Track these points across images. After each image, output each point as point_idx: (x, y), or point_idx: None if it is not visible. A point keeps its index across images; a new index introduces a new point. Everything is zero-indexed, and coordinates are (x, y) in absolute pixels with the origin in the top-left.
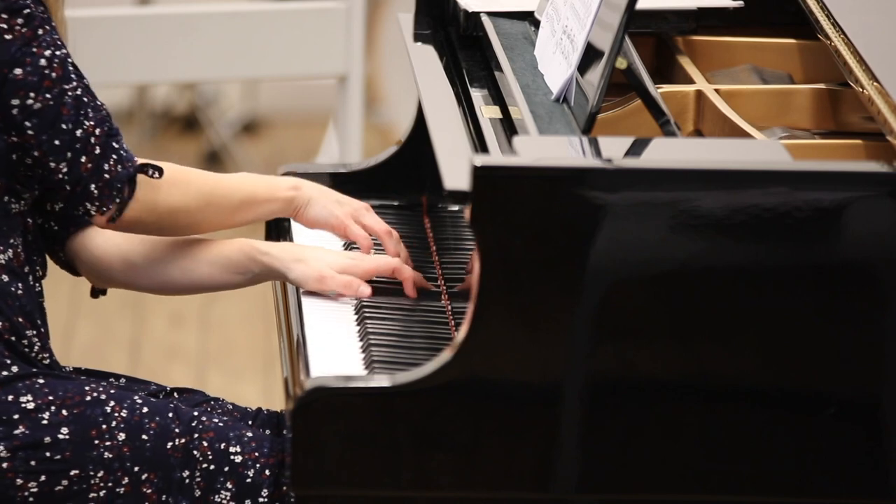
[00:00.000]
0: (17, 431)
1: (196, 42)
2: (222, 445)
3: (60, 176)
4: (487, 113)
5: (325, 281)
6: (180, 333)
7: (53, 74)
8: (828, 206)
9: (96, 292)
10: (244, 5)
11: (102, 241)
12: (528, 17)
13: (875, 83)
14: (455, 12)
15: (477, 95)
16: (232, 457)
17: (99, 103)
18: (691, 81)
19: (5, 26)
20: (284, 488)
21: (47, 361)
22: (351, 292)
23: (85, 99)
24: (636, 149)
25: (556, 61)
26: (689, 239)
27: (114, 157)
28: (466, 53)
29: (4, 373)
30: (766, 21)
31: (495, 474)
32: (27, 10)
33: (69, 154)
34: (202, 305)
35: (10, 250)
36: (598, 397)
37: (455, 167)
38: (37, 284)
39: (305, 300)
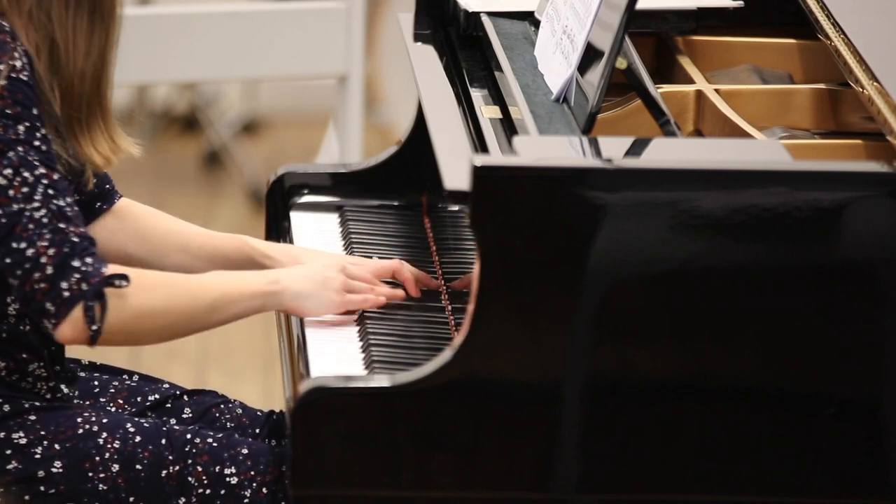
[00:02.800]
0: (9, 466)
1: (196, 42)
2: (217, 468)
3: (17, 288)
4: (487, 113)
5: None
6: None
7: (10, 192)
8: (828, 206)
9: None
10: (244, 5)
11: (102, 236)
12: (528, 17)
13: (875, 83)
14: (455, 12)
15: (477, 95)
16: (227, 479)
17: (62, 226)
18: (691, 81)
19: None
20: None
21: (48, 396)
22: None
23: (46, 220)
24: (636, 149)
25: (556, 61)
26: (689, 239)
27: (75, 275)
28: (466, 53)
29: None
30: (766, 21)
31: (495, 474)
32: None
33: (20, 270)
34: None
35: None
36: (598, 397)
37: (455, 167)
38: None
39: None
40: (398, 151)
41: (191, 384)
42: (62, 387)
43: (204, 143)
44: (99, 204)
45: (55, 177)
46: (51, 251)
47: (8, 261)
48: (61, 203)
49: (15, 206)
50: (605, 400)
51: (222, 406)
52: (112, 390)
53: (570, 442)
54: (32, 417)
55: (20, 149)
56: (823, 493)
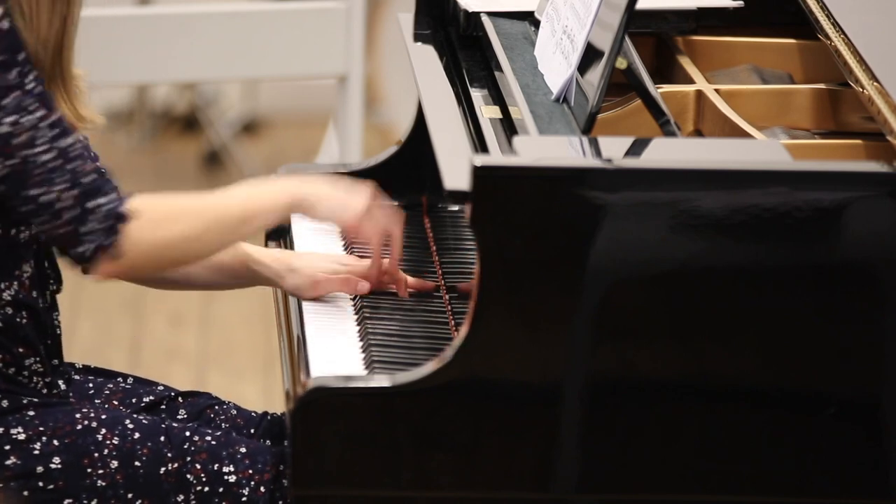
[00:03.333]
0: (8, 462)
1: (196, 42)
2: (216, 466)
3: (46, 235)
4: (487, 113)
5: (320, 286)
6: (180, 334)
7: (14, 142)
8: (828, 206)
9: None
10: (244, 5)
11: None
12: (528, 17)
13: (875, 83)
14: (455, 12)
15: (477, 95)
16: (226, 477)
17: (74, 165)
18: (691, 81)
19: None
20: (280, 503)
21: (45, 389)
22: (350, 288)
23: (57, 163)
24: (636, 149)
25: (556, 61)
26: (689, 239)
27: (94, 216)
28: (466, 53)
29: None
30: (766, 21)
31: (495, 474)
32: None
33: (41, 217)
34: (202, 306)
35: (16, 283)
36: (598, 397)
37: (455, 167)
38: (45, 302)
39: (305, 300)
40: (398, 151)
41: (191, 384)
42: (59, 382)
43: (204, 143)
44: None
45: (54, 116)
46: (66, 194)
47: (26, 209)
48: (69, 141)
49: (22, 154)
50: (605, 400)
51: (216, 407)
52: (107, 392)
53: (570, 442)
54: (31, 413)
55: (15, 93)
56: (823, 493)
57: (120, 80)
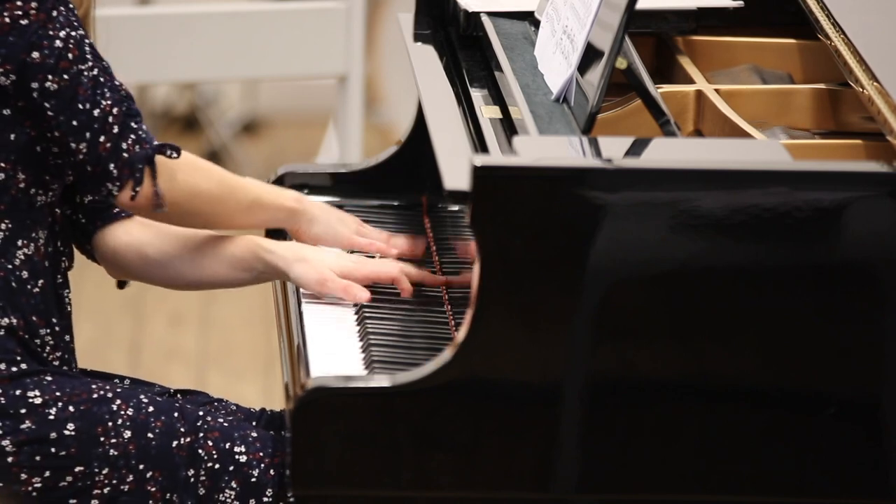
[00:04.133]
0: (23, 426)
1: (196, 42)
2: (227, 445)
3: (81, 157)
4: (487, 113)
5: (325, 284)
6: (180, 334)
7: (69, 55)
8: (828, 206)
9: (122, 284)
10: (244, 5)
11: (122, 233)
12: (528, 17)
13: (875, 83)
14: (455, 12)
15: (477, 95)
16: (237, 456)
17: (117, 84)
18: (691, 81)
19: (20, 11)
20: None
21: (57, 362)
22: (350, 297)
23: (102, 79)
24: (636, 149)
25: (556, 61)
26: (689, 239)
27: (132, 136)
28: (466, 53)
29: (13, 368)
30: (766, 21)
31: (495, 474)
32: None
33: (87, 134)
34: (202, 305)
35: (33, 244)
36: (598, 397)
37: (455, 167)
38: (60, 276)
39: (305, 300)
40: (398, 151)
41: (191, 384)
42: (71, 361)
43: (204, 143)
44: (118, 210)
45: (90, 40)
46: (115, 109)
47: (75, 123)
48: (105, 63)
49: (76, 68)
50: (605, 400)
51: (216, 403)
52: None
53: (570, 442)
54: (49, 378)
55: (62, 8)
56: (823, 493)
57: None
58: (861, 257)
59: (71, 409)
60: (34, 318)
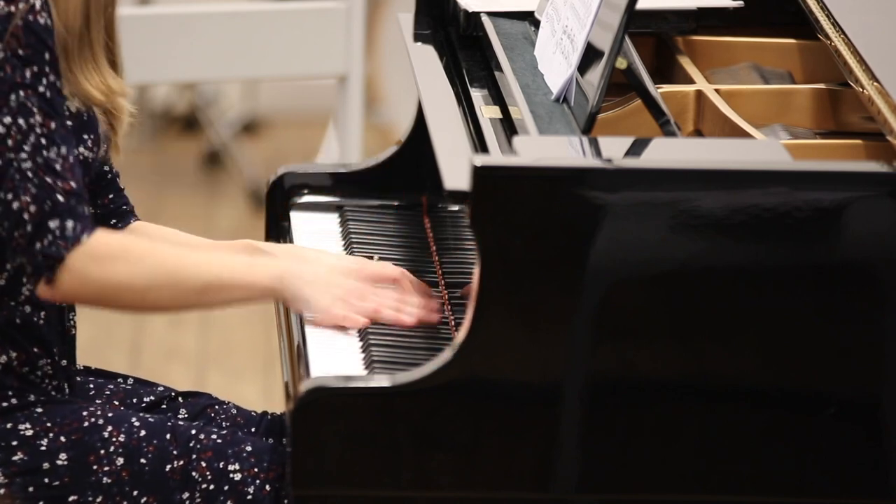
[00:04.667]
0: (15, 458)
1: (196, 42)
2: (221, 464)
3: (5, 237)
4: (487, 113)
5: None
6: (180, 334)
7: (7, 142)
8: (828, 206)
9: None
10: (244, 5)
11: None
12: (528, 17)
13: (875, 83)
14: (455, 12)
15: (477, 95)
16: (231, 475)
17: (50, 181)
18: (691, 81)
19: None
20: (286, 501)
21: (53, 392)
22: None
23: (34, 173)
24: (636, 149)
25: (556, 61)
26: (689, 239)
27: (49, 236)
28: (466, 53)
29: (4, 404)
30: (766, 21)
31: (495, 474)
32: (0, 74)
33: (6, 222)
34: None
35: None
36: (598, 397)
37: (455, 167)
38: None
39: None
40: (398, 151)
41: (191, 384)
42: (65, 386)
43: (204, 143)
44: (114, 221)
45: (53, 125)
46: (32, 207)
47: None
48: (52, 154)
49: (8, 155)
50: (605, 400)
51: (217, 407)
52: (107, 393)
53: (570, 442)
54: (39, 410)
55: (22, 93)
56: (823, 493)
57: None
58: (861, 257)
59: (62, 438)
60: (35, 350)
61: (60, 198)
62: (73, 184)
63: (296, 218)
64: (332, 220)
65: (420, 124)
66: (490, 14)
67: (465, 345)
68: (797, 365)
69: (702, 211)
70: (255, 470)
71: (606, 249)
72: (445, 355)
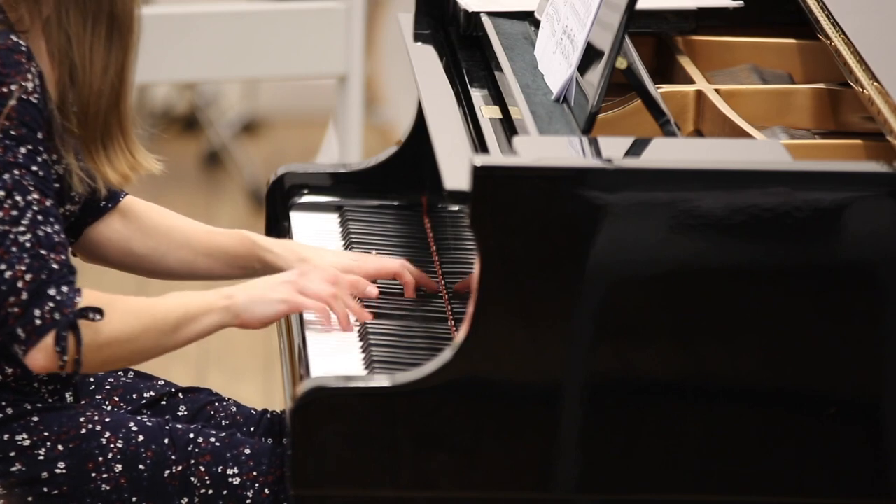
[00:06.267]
0: (13, 469)
1: (196, 42)
2: (219, 469)
3: None
4: (487, 113)
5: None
6: None
7: (1, 214)
8: (828, 206)
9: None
10: (244, 5)
11: (104, 227)
12: (528, 17)
13: (875, 83)
14: (455, 12)
15: (477, 95)
16: (230, 479)
17: (44, 252)
18: (691, 81)
19: None
20: None
21: (50, 399)
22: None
23: (29, 245)
24: (636, 149)
25: (556, 61)
26: (689, 239)
27: (49, 304)
28: (466, 53)
29: None
30: (766, 21)
31: (495, 474)
32: None
33: None
34: None
35: None
36: (597, 397)
37: (455, 167)
38: None
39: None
40: (398, 151)
41: (190, 383)
42: (67, 395)
43: (204, 143)
44: (104, 202)
45: (47, 203)
46: (28, 276)
47: None
48: (48, 230)
49: (2, 228)
50: (605, 400)
51: (217, 404)
52: (108, 387)
53: (570, 442)
54: (35, 419)
55: (16, 172)
56: (823, 493)
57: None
58: (861, 257)
59: (60, 447)
60: None
61: (55, 267)
62: (63, 257)
63: (296, 218)
64: (332, 220)
65: (420, 124)
66: (490, 14)
67: (465, 345)
68: (797, 365)
69: (702, 211)
70: (254, 473)
71: (606, 249)
72: (445, 355)
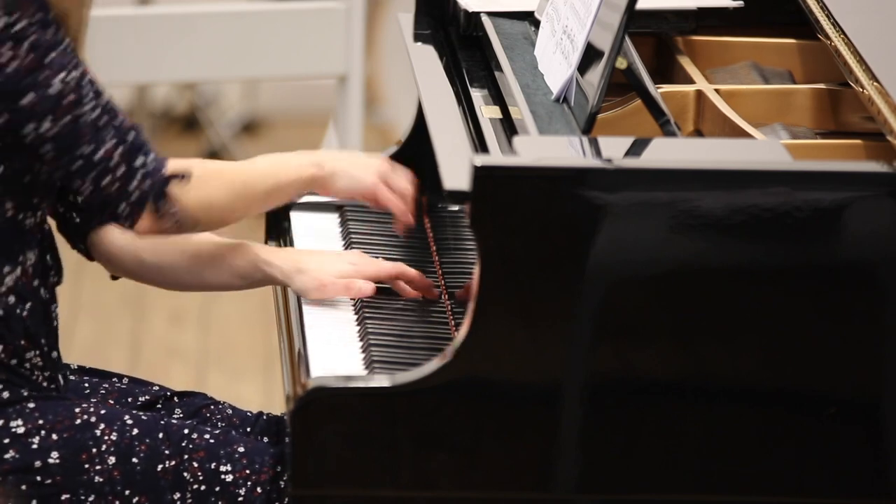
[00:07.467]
0: (7, 456)
1: (196, 42)
2: (213, 465)
3: (87, 194)
4: (487, 113)
5: (325, 289)
6: (180, 333)
7: (66, 101)
8: (828, 206)
9: (115, 276)
10: (244, 5)
11: (117, 236)
12: (528, 17)
13: (875, 83)
14: (455, 12)
15: (477, 95)
16: (223, 476)
17: (118, 122)
18: (691, 81)
19: (9, 55)
20: None
21: (45, 382)
22: (354, 293)
23: (103, 119)
24: (636, 149)
25: (556, 61)
26: (689, 239)
27: (140, 173)
28: (466, 53)
29: None
30: (766, 21)
31: (495, 474)
32: (33, 37)
33: (91, 175)
34: (202, 305)
35: (20, 268)
36: (598, 397)
37: (455, 167)
38: (47, 293)
39: (305, 301)
40: (398, 151)
41: (191, 384)
42: (59, 377)
43: (204, 143)
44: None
45: (90, 73)
46: (115, 152)
47: (76, 167)
48: (107, 98)
49: (73, 112)
50: (605, 400)
51: (212, 407)
52: (102, 392)
53: (570, 442)
54: (31, 405)
55: (58, 50)
56: (823, 493)
57: (120, 80)
58: (861, 257)
59: (54, 437)
60: (22, 342)
61: (132, 135)
62: (128, 120)
63: (296, 218)
64: (332, 220)
65: (420, 124)
66: (490, 14)
67: (465, 345)
68: (797, 365)
69: (702, 211)
70: (247, 471)
71: (606, 249)
72: (445, 355)
